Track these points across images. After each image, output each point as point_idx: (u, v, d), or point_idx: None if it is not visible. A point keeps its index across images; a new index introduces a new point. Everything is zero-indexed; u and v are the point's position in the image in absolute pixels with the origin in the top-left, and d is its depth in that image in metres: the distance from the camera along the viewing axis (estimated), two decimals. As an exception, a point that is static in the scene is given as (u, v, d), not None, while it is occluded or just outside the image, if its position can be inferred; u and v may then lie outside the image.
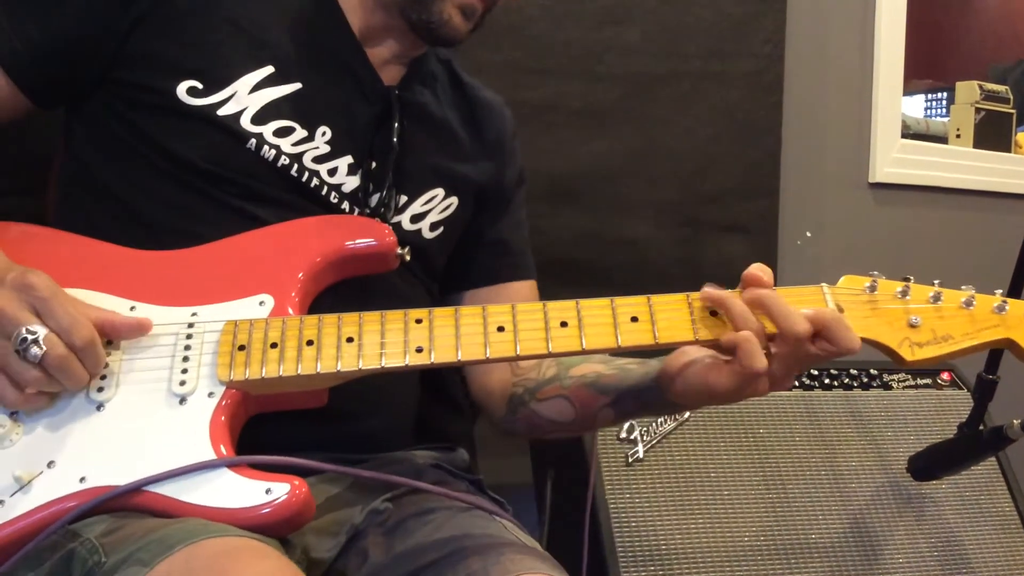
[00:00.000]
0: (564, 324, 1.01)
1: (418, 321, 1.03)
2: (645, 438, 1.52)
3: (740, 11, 2.06)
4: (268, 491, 0.95)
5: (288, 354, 1.01)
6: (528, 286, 1.40)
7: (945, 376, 1.73)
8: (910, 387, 1.70)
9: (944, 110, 3.97)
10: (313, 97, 1.18)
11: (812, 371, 1.68)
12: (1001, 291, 1.06)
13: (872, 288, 1.04)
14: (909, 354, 1.01)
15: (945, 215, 2.46)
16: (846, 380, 1.68)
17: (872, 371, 1.70)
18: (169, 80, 1.13)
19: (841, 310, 1.02)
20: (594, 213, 1.98)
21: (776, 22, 2.10)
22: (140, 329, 1.03)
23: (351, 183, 1.20)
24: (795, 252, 2.21)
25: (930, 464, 1.52)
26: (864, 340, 1.02)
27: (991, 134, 2.65)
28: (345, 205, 1.19)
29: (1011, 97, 2.71)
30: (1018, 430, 1.37)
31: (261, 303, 1.07)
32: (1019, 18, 3.63)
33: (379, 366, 1.01)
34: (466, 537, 1.00)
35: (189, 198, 1.14)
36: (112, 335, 1.02)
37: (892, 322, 1.03)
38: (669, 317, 1.02)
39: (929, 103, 4.05)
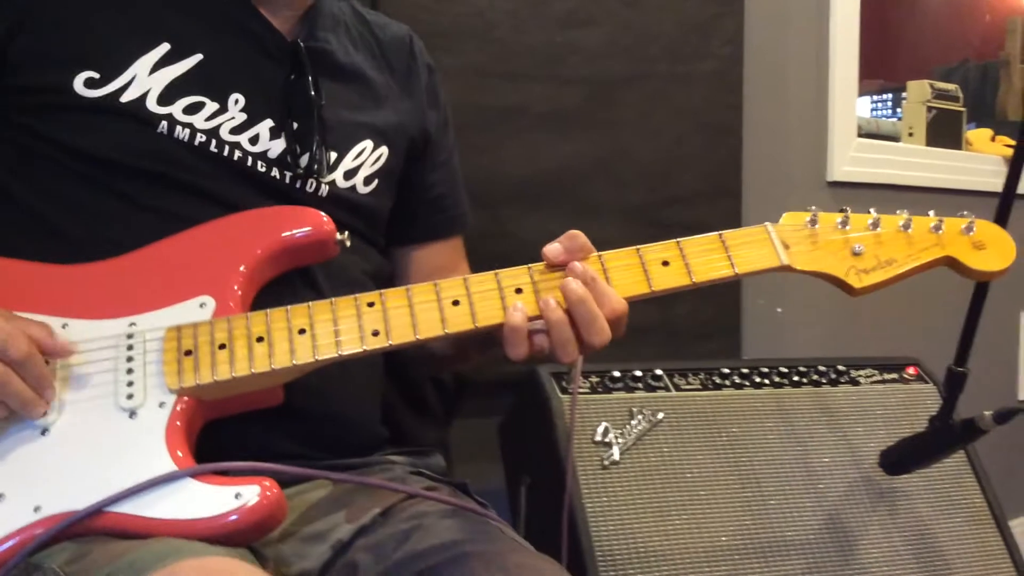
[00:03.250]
0: (519, 291, 1.01)
1: (370, 305, 1.00)
2: (619, 440, 1.52)
3: (700, 12, 2.07)
4: (238, 496, 0.91)
5: (239, 353, 0.98)
6: (459, 241, 1.42)
7: (911, 371, 1.75)
8: (877, 382, 1.72)
9: (890, 110, 4.05)
10: (217, 66, 1.14)
11: (781, 368, 1.69)
12: (934, 212, 1.08)
13: (813, 222, 1.06)
14: (857, 281, 1.04)
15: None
16: (815, 376, 1.70)
17: (840, 367, 1.72)
18: (63, 75, 1.08)
19: (787, 246, 1.04)
20: (561, 216, 1.97)
21: (735, 23, 2.12)
22: (64, 352, 0.98)
23: (276, 147, 1.15)
24: (758, 251, 2.22)
25: (902, 458, 1.53)
26: (812, 273, 1.05)
27: (943, 132, 2.70)
28: (275, 172, 1.15)
29: (961, 96, 2.76)
30: (990, 421, 1.39)
31: (202, 305, 1.02)
32: (964, 19, 3.71)
33: (336, 355, 0.98)
34: (465, 541, 0.98)
35: (106, 202, 1.09)
36: (46, 354, 0.97)
37: (836, 252, 1.05)
38: (622, 275, 1.04)
39: (875, 104, 4.12)
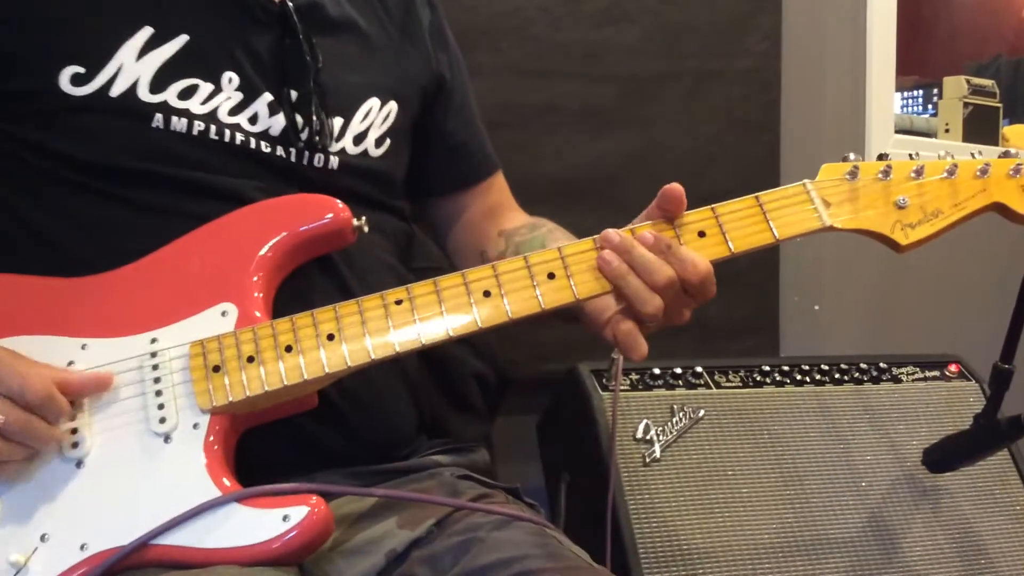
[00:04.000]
0: (552, 276, 0.96)
1: (398, 303, 0.95)
2: (661, 438, 1.51)
3: (736, 9, 2.07)
4: (286, 518, 0.89)
5: (268, 366, 0.93)
6: (495, 180, 1.38)
7: (953, 368, 1.73)
8: (919, 380, 1.71)
9: (920, 107, 4.01)
10: (205, 45, 1.07)
11: (822, 366, 1.68)
12: (979, 152, 1.02)
13: (853, 174, 0.99)
14: (903, 238, 0.97)
15: (938, 209, 2.47)
16: (856, 374, 1.68)
17: (881, 365, 1.71)
18: (48, 74, 1.02)
19: (828, 204, 0.97)
20: (596, 213, 1.94)
21: (772, 19, 2.11)
22: (100, 385, 0.94)
23: (277, 124, 1.09)
24: (795, 248, 2.21)
25: (946, 456, 1.52)
26: (856, 231, 0.98)
27: (979, 128, 2.67)
28: (279, 151, 1.09)
29: (997, 91, 2.74)
30: (1036, 419, 1.37)
31: (224, 313, 0.97)
32: (998, 15, 3.67)
33: (369, 360, 0.94)
34: (525, 557, 0.94)
35: (109, 210, 1.04)
36: (71, 395, 0.93)
37: (880, 207, 0.98)
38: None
39: (905, 101, 4.08)
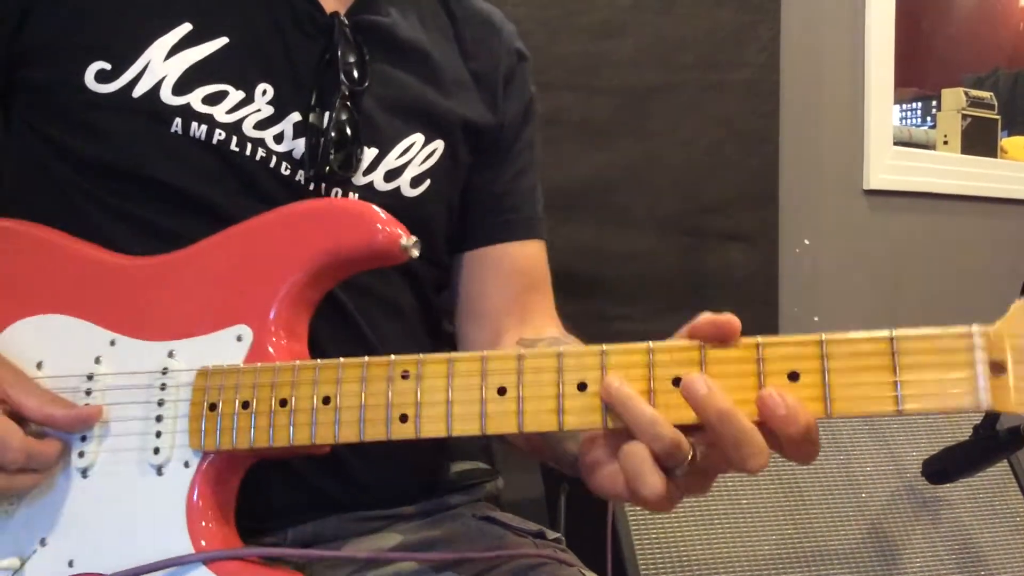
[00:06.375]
0: (583, 387, 0.75)
1: (404, 376, 0.80)
2: (660, 449, 1.51)
3: (735, 21, 2.08)
4: None
5: (260, 420, 0.84)
6: (533, 247, 1.18)
7: (953, 379, 1.73)
8: (918, 391, 1.71)
9: (919, 119, 4.03)
10: (245, 51, 0.99)
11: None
12: None
13: None
14: None
15: (937, 220, 2.49)
16: (855, 385, 1.69)
17: (880, 376, 1.70)
18: (75, 68, 0.96)
19: (999, 371, 0.66)
20: (595, 226, 1.98)
21: (771, 31, 2.12)
22: (87, 422, 0.87)
23: (301, 146, 0.99)
24: (794, 260, 2.22)
25: (945, 467, 1.51)
26: None
27: (977, 140, 2.68)
28: (299, 175, 0.99)
29: (995, 103, 2.75)
30: (1035, 430, 1.37)
31: (239, 338, 0.88)
32: (997, 27, 3.68)
33: (357, 440, 0.82)
34: None
35: (118, 222, 0.97)
36: (60, 429, 0.87)
37: None
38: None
39: (904, 113, 4.10)
